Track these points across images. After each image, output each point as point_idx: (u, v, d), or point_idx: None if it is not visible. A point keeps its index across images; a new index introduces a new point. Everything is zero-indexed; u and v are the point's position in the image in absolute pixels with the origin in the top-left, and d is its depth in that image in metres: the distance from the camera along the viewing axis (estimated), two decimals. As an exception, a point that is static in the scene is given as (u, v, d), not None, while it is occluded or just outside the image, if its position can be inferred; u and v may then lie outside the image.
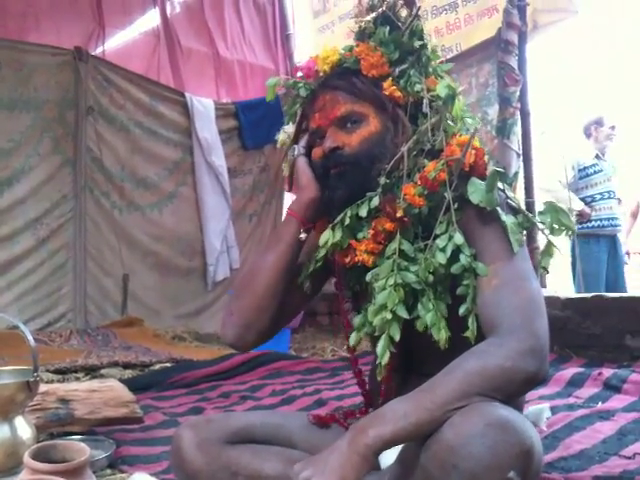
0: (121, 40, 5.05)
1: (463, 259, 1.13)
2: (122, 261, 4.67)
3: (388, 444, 1.00)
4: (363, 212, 1.24)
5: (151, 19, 5.18)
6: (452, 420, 0.96)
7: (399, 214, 1.18)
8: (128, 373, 3.12)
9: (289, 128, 1.44)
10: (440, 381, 1.01)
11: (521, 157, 3.73)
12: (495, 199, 1.15)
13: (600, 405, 2.32)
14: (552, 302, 3.17)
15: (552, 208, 1.19)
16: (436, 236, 1.17)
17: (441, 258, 1.13)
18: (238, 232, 5.24)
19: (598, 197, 4.74)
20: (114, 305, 4.64)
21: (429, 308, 1.14)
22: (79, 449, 1.25)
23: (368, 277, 1.22)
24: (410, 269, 1.17)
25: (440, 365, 1.05)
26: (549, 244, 1.22)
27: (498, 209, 1.16)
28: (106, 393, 2.00)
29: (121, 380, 2.52)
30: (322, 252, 1.30)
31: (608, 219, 4.72)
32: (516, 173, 2.42)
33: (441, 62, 1.36)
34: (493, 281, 1.11)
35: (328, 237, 1.27)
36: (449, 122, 1.25)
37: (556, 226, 1.19)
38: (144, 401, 2.49)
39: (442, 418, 0.97)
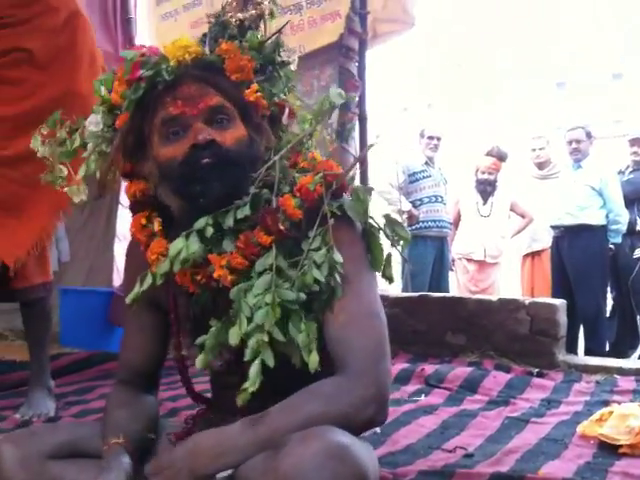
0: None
1: (338, 278, 1.10)
2: None
3: (224, 469, 1.02)
4: (229, 222, 1.12)
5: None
6: (291, 448, 0.94)
7: (282, 227, 1.10)
8: (-63, 376, 2.84)
9: (92, 118, 1.24)
10: (282, 419, 1.02)
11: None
12: (367, 215, 1.16)
13: (424, 399, 2.47)
14: (381, 300, 3.31)
15: (389, 221, 1.21)
16: (309, 251, 1.11)
17: (318, 275, 1.08)
18: (68, 223, 4.92)
19: (426, 200, 4.99)
20: None
21: (301, 329, 1.07)
22: None
23: (233, 294, 1.10)
24: (284, 287, 1.08)
25: (300, 386, 1.05)
26: (389, 256, 1.23)
27: (370, 223, 1.18)
28: None
29: None
30: (166, 266, 1.12)
31: (434, 221, 4.97)
32: (353, 177, 2.50)
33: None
34: (340, 317, 1.10)
35: (181, 247, 1.10)
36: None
37: (395, 238, 1.22)
38: (-44, 408, 2.28)
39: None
